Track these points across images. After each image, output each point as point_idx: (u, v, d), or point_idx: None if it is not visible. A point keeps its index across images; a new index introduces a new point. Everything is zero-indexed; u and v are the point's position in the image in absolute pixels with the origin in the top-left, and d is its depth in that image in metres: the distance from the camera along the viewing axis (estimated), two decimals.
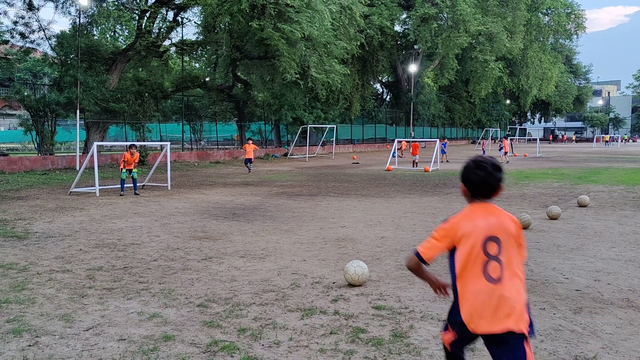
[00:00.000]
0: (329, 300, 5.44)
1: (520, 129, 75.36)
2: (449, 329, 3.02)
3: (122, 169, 14.94)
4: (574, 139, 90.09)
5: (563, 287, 5.93)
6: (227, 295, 5.61)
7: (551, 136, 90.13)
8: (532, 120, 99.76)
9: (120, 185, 14.87)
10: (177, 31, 32.38)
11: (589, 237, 8.69)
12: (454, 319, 2.92)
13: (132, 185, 15.04)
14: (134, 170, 14.97)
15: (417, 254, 2.97)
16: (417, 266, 3.02)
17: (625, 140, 79.15)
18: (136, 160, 15.15)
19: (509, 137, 41.16)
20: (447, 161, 30.14)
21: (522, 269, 2.82)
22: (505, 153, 31.12)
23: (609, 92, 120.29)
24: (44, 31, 25.18)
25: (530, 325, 2.78)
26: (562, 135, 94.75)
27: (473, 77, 53.81)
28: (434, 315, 4.98)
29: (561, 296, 5.59)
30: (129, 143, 17.23)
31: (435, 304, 5.32)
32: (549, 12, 61.20)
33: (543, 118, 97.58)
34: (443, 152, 31.45)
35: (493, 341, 2.74)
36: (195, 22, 35.68)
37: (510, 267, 2.76)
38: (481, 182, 2.84)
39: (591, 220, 10.33)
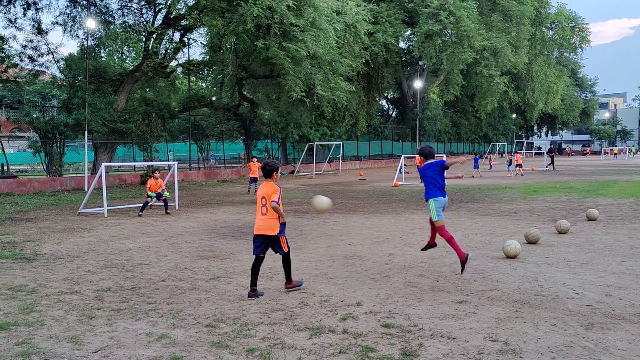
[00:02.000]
0: (338, 318, 5.41)
1: (527, 142, 75.18)
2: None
3: (148, 199, 14.98)
4: (569, 152, 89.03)
5: (574, 302, 5.87)
6: (236, 315, 5.60)
7: (570, 150, 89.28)
8: (538, 134, 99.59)
9: (142, 205, 14.95)
10: (183, 52, 32.74)
11: (599, 252, 8.62)
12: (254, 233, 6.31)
13: (159, 204, 15.34)
14: (165, 194, 15.11)
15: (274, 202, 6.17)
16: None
17: (634, 152, 77.99)
18: (162, 187, 15.15)
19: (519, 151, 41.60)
20: (480, 176, 30.45)
21: (271, 209, 6.14)
22: (518, 165, 31.67)
23: (615, 105, 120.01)
24: (52, 54, 25.53)
25: (282, 230, 6.22)
26: (568, 148, 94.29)
27: (478, 92, 53.90)
28: (444, 333, 4.94)
29: (572, 312, 5.53)
30: (143, 162, 17.28)
31: (444, 321, 5.28)
32: (553, 26, 61.44)
33: (550, 131, 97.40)
34: (476, 166, 31.75)
35: (270, 239, 6.22)
36: (201, 42, 36.04)
37: (270, 209, 6.11)
38: (263, 170, 6.36)
39: (601, 234, 10.25)
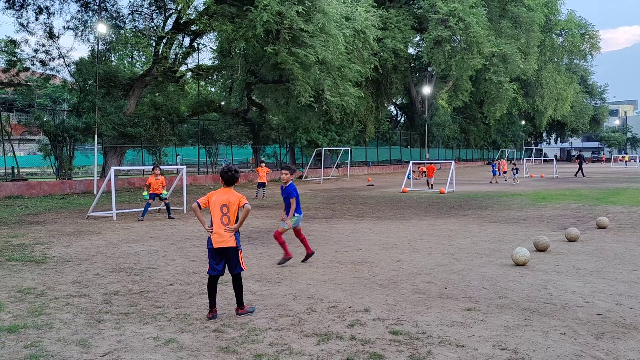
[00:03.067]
0: (345, 325, 5.39)
1: (536, 149, 74.71)
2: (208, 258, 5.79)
3: (145, 192, 14.82)
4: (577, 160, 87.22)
5: (584, 311, 5.82)
6: (243, 320, 5.59)
7: (586, 160, 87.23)
8: (547, 140, 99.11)
9: (143, 209, 14.75)
10: (193, 56, 32.80)
11: (609, 260, 8.54)
12: (209, 247, 5.67)
13: (154, 208, 15.27)
14: (164, 193, 14.96)
15: (197, 202, 5.67)
16: (196, 208, 5.67)
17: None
18: (163, 184, 14.99)
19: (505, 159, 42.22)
20: (493, 182, 30.58)
21: (235, 217, 5.69)
22: (504, 172, 32.25)
23: (625, 112, 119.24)
24: (63, 58, 25.68)
25: (238, 243, 5.70)
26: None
27: (487, 98, 53.71)
28: (452, 341, 4.90)
29: (582, 320, 5.48)
30: (151, 165, 17.09)
31: (453, 329, 5.24)
32: (563, 33, 61.15)
33: (559, 138, 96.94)
34: (494, 173, 31.76)
35: (225, 251, 5.62)
36: (211, 47, 36.22)
37: (233, 218, 5.66)
38: (226, 177, 5.76)
39: (611, 242, 10.16)
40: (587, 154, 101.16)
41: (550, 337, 5.00)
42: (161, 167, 16.05)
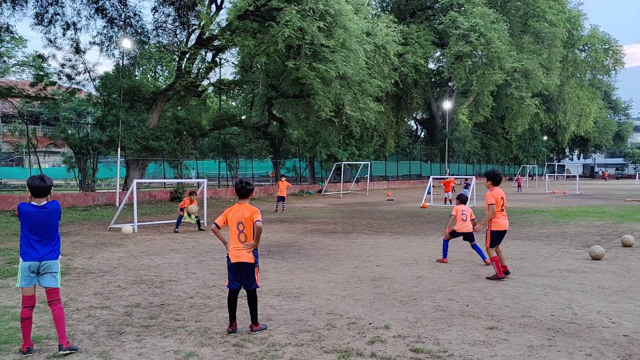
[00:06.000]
0: (366, 341, 5.35)
1: (558, 165, 73.88)
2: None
3: (181, 212, 15.28)
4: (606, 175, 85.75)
5: (610, 332, 5.69)
6: (263, 334, 5.58)
7: (607, 173, 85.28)
8: (570, 156, 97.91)
9: (177, 220, 15.22)
10: (215, 71, 33.29)
11: (636, 279, 8.36)
12: (228, 262, 5.68)
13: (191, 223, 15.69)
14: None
15: (215, 223, 5.72)
16: (216, 229, 5.72)
17: None
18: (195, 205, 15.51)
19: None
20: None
21: (251, 233, 5.57)
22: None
23: None
24: (89, 73, 26.22)
25: (256, 260, 5.65)
26: (604, 172, 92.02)
27: (509, 113, 53.35)
28: None
29: (608, 342, 5.36)
30: (191, 189, 17.88)
31: (475, 347, 5.17)
32: (586, 48, 60.59)
33: (582, 154, 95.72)
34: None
35: (242, 266, 5.60)
36: (232, 62, 36.63)
37: (250, 235, 5.57)
38: (238, 190, 5.73)
39: (637, 261, 9.95)
40: (611, 171, 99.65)
41: (575, 358, 4.90)
42: (183, 180, 16.34)
